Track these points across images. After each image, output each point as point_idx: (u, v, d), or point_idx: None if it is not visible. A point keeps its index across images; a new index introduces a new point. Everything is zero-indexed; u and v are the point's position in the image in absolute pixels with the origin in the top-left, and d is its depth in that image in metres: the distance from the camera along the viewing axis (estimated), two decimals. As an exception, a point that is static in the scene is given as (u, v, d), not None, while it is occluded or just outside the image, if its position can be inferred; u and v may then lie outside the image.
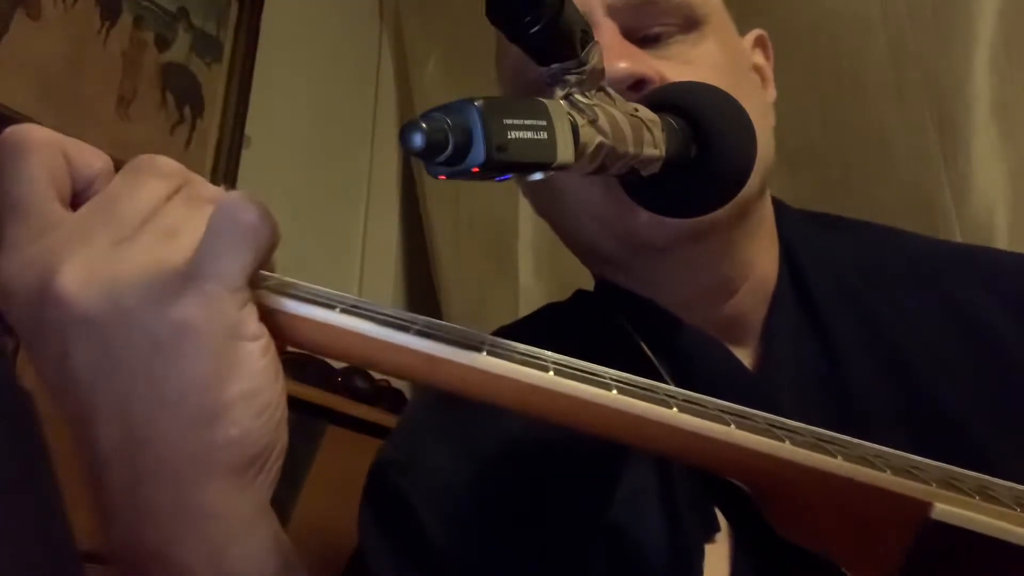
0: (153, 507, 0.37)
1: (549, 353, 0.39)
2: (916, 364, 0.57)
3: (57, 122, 1.22)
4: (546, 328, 0.67)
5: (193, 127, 1.45)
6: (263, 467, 0.38)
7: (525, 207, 1.55)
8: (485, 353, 0.36)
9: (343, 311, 0.37)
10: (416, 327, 0.37)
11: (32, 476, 0.41)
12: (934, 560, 0.36)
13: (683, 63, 0.56)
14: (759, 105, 0.60)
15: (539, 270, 1.51)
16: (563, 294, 0.72)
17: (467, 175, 0.32)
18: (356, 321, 0.37)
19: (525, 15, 0.36)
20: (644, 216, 0.52)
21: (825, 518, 0.38)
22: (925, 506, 0.36)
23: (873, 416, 0.55)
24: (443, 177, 0.33)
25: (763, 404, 0.53)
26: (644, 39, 0.56)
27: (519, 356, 0.37)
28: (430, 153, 0.31)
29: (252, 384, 0.36)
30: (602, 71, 0.40)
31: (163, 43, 1.42)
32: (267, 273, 0.40)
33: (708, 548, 0.51)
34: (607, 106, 0.40)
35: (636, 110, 0.43)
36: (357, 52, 1.85)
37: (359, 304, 0.38)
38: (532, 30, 0.36)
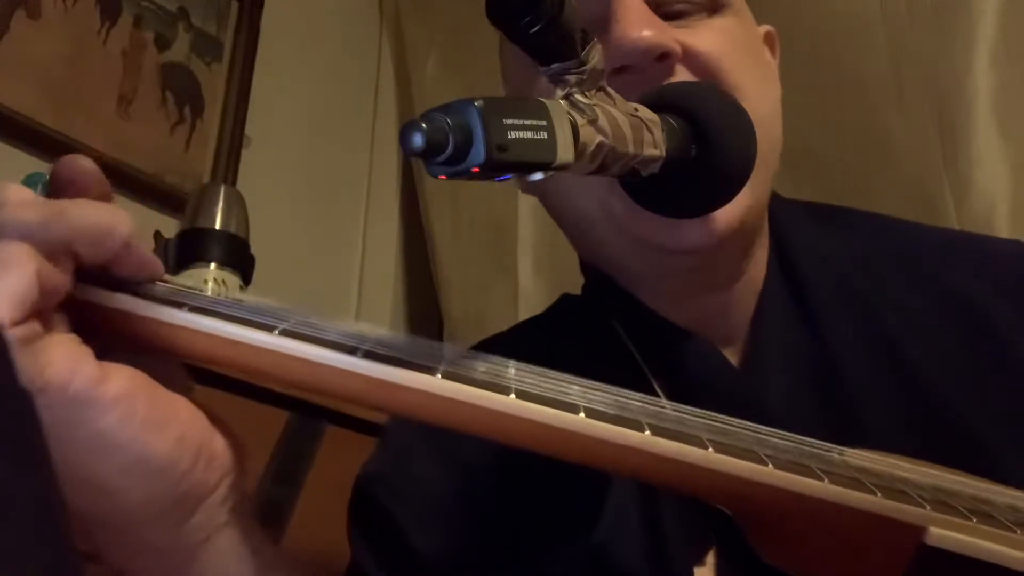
0: (104, 542, 0.37)
1: (513, 370, 0.37)
2: (913, 358, 0.56)
3: (57, 122, 1.22)
4: (531, 340, 0.66)
5: (193, 127, 1.45)
6: (202, 499, 0.37)
7: (525, 207, 1.55)
8: (440, 376, 0.34)
9: (282, 333, 0.35)
10: (365, 348, 0.34)
11: (32, 476, 0.41)
12: None
13: (707, 33, 0.55)
14: (774, 95, 0.60)
15: (539, 270, 1.51)
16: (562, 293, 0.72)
17: (467, 175, 0.32)
18: (298, 344, 0.34)
19: (525, 15, 0.36)
20: (679, 225, 0.51)
21: (812, 544, 0.36)
22: (919, 531, 0.34)
23: (868, 412, 0.54)
24: (443, 177, 0.33)
25: (750, 404, 0.53)
26: (667, 15, 0.55)
27: (480, 377, 0.34)
28: (430, 153, 0.31)
29: (125, 458, 0.34)
30: (602, 71, 0.40)
31: (163, 43, 1.42)
32: (208, 294, 0.37)
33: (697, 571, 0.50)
34: (607, 106, 0.40)
35: (636, 110, 0.43)
36: (357, 52, 1.84)
37: (302, 324, 0.36)
38: (532, 30, 0.36)
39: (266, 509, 1.04)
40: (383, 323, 1.68)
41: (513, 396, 0.34)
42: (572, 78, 0.38)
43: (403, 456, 0.60)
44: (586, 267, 0.65)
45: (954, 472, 0.43)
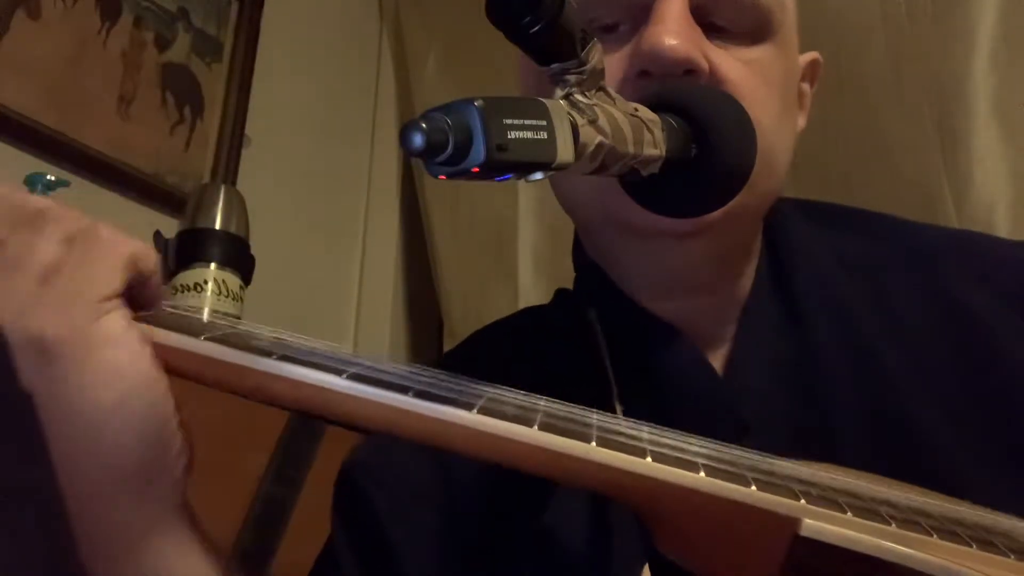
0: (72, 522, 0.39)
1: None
2: (891, 368, 0.55)
3: (57, 122, 1.22)
4: (496, 341, 0.66)
5: (193, 127, 1.45)
6: (159, 472, 0.39)
7: (525, 207, 1.55)
8: (412, 394, 0.37)
9: (280, 358, 0.38)
10: (351, 370, 0.38)
11: (32, 477, 0.41)
12: None
13: (740, 61, 0.53)
14: (790, 130, 0.59)
15: (539, 270, 1.51)
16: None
17: (467, 175, 0.32)
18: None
19: (525, 15, 0.36)
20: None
21: (696, 535, 0.37)
22: (794, 523, 0.35)
23: (841, 425, 0.53)
24: (443, 177, 0.33)
25: (724, 408, 0.53)
26: (710, 26, 0.53)
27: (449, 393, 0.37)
28: (430, 153, 0.31)
29: (120, 391, 0.37)
30: (602, 71, 0.40)
31: (163, 43, 1.42)
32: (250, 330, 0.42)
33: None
34: (607, 106, 0.40)
35: (636, 110, 0.43)
36: (357, 52, 1.84)
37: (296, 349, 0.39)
38: (532, 30, 0.36)
39: (266, 509, 1.04)
40: (383, 323, 1.68)
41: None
42: (572, 78, 0.38)
43: (387, 445, 0.60)
44: (577, 258, 0.64)
45: (917, 491, 0.43)
